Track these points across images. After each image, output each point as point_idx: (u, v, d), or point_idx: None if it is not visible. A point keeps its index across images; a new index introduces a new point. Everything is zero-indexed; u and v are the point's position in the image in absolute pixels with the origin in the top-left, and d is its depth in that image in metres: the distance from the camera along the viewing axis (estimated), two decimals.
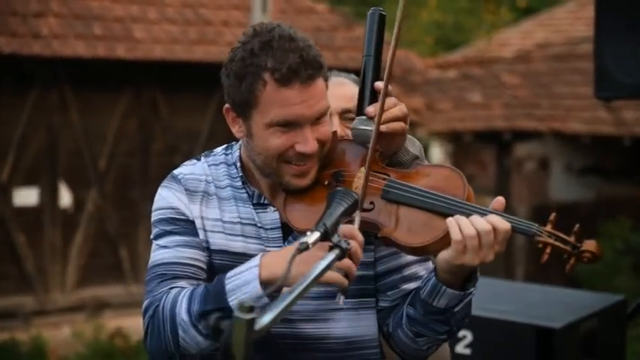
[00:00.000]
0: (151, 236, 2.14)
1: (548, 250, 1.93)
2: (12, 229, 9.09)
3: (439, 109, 11.56)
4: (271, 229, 2.10)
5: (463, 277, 2.00)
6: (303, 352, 2.08)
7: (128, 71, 9.45)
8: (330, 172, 2.09)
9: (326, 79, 2.06)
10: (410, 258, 2.13)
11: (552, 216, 1.96)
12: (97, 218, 9.51)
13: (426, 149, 2.46)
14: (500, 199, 1.98)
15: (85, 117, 9.39)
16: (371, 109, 2.07)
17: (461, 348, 3.63)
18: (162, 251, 2.08)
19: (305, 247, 1.78)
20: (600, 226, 9.63)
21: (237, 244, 2.09)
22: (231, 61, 2.03)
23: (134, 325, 8.11)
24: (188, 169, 2.16)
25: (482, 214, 1.94)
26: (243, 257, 2.07)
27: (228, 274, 1.95)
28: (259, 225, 2.10)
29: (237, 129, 2.08)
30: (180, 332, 1.97)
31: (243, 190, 2.13)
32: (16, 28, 8.59)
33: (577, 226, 1.96)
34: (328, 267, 1.80)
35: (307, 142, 2.00)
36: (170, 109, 9.85)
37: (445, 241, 1.95)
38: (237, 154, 2.16)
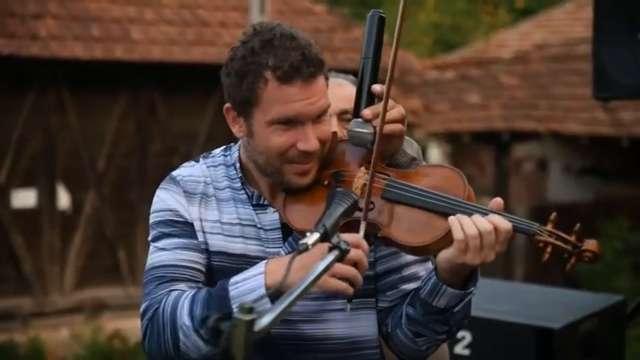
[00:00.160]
0: (149, 238, 2.13)
1: (549, 250, 1.93)
2: (10, 231, 9.08)
3: (437, 110, 11.57)
4: (271, 229, 2.10)
5: (464, 277, 2.00)
6: (305, 353, 2.08)
7: (126, 72, 9.44)
8: (330, 172, 2.09)
9: (326, 78, 2.06)
10: (409, 258, 2.13)
11: (553, 215, 1.96)
12: (95, 220, 9.50)
13: (424, 150, 2.46)
14: (498, 200, 1.98)
15: (83, 118, 9.39)
16: (367, 112, 2.07)
17: (460, 349, 3.63)
18: (161, 253, 2.08)
19: (304, 249, 1.78)
20: (599, 227, 9.63)
21: (237, 246, 2.09)
22: (232, 60, 2.03)
23: (132, 326, 8.10)
24: (187, 171, 2.16)
25: (484, 213, 1.94)
26: (243, 259, 2.07)
27: (232, 280, 1.95)
28: (259, 226, 2.10)
29: (237, 129, 2.08)
30: (180, 336, 1.96)
31: (243, 191, 2.13)
32: (13, 29, 8.58)
33: (578, 225, 1.96)
34: (327, 268, 1.80)
35: (309, 140, 2.00)
36: (168, 111, 9.84)
37: (445, 240, 1.95)
38: (236, 155, 2.16)
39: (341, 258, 1.82)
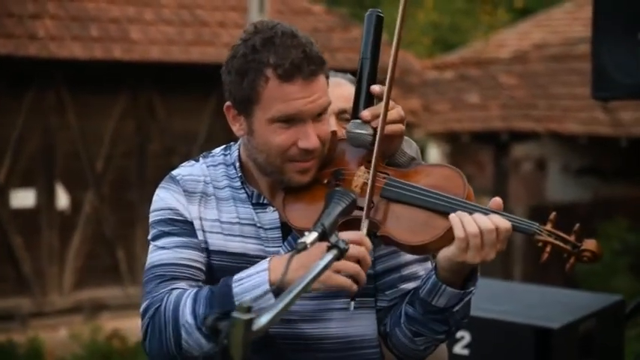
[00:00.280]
0: (149, 237, 2.13)
1: (548, 249, 1.93)
2: (9, 231, 9.07)
3: (436, 110, 11.57)
4: (270, 229, 2.10)
5: (464, 276, 1.99)
6: (303, 353, 2.07)
7: (125, 73, 9.44)
8: (329, 170, 2.09)
9: (327, 76, 2.06)
10: (409, 257, 2.13)
11: (552, 215, 1.95)
12: (94, 220, 9.49)
13: (423, 150, 2.46)
14: (497, 200, 1.98)
15: (82, 119, 9.38)
16: (366, 114, 2.07)
17: (459, 348, 3.63)
18: (161, 252, 2.07)
19: (303, 248, 1.78)
20: (598, 227, 9.64)
21: (236, 245, 2.09)
22: (233, 58, 2.02)
23: (132, 326, 8.09)
24: (186, 170, 2.16)
25: (484, 213, 1.94)
26: (242, 257, 2.07)
27: (235, 277, 1.95)
28: (258, 225, 2.10)
29: (237, 127, 2.08)
30: (183, 334, 1.96)
31: (242, 190, 2.12)
32: (12, 29, 8.58)
33: (577, 225, 1.96)
34: (326, 267, 1.80)
35: (309, 138, 2.00)
36: (167, 111, 9.84)
37: (445, 240, 1.95)
38: (235, 154, 2.16)
39: (339, 257, 1.82)
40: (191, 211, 2.09)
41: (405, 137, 2.22)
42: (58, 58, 8.79)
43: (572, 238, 1.94)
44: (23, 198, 9.17)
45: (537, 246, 1.95)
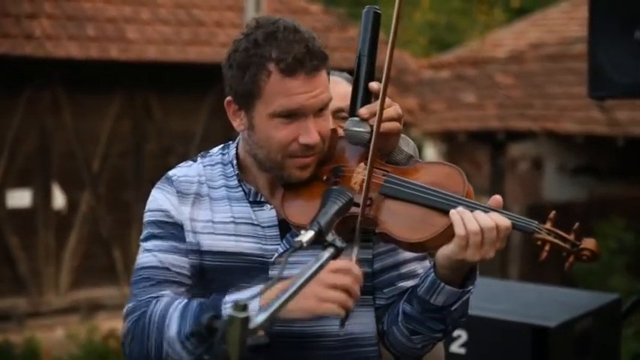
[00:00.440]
0: (141, 237, 2.15)
1: (547, 248, 1.93)
2: (5, 231, 9.06)
3: (433, 109, 11.57)
4: (268, 226, 2.09)
5: (462, 275, 1.99)
6: (302, 351, 2.07)
7: (121, 72, 9.43)
8: (329, 167, 2.08)
9: (328, 72, 2.05)
10: (407, 255, 2.12)
11: (552, 214, 1.95)
12: (90, 220, 9.49)
13: (419, 149, 2.46)
14: (497, 198, 1.98)
15: (78, 118, 9.37)
16: (364, 111, 2.06)
17: (456, 347, 3.63)
18: (147, 254, 2.09)
19: (299, 246, 1.78)
20: (594, 226, 9.64)
21: (230, 244, 2.08)
22: (234, 52, 2.02)
23: None
24: (182, 171, 2.15)
25: (484, 211, 1.94)
26: (238, 257, 2.07)
27: (226, 299, 1.95)
28: (256, 223, 2.09)
29: (238, 122, 2.07)
30: (165, 346, 1.97)
31: (239, 189, 2.12)
32: (8, 29, 8.57)
33: (577, 224, 1.95)
34: (322, 266, 1.80)
35: (310, 133, 1.99)
36: (164, 110, 9.83)
37: (444, 237, 1.94)
38: (233, 152, 2.15)
39: (336, 255, 1.82)
40: (183, 212, 2.09)
41: (403, 135, 2.22)
42: (55, 58, 8.78)
43: (571, 237, 1.94)
44: (19, 198, 9.16)
45: (536, 244, 1.95)
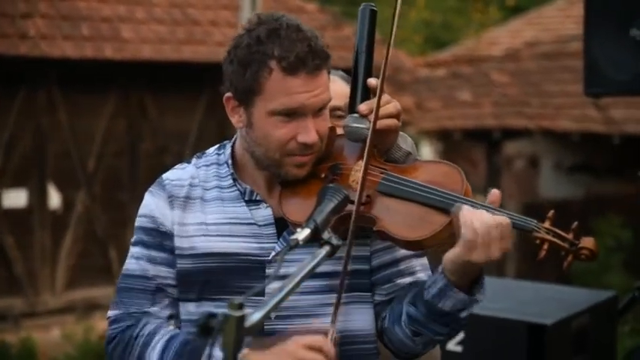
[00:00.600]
0: (132, 239, 2.17)
1: (546, 247, 1.92)
2: (1, 232, 9.05)
3: (429, 107, 11.57)
4: (265, 225, 2.09)
5: (470, 279, 1.97)
6: None
7: (116, 72, 9.42)
8: (327, 165, 2.08)
9: (329, 72, 2.05)
10: (405, 252, 2.11)
11: (551, 213, 1.94)
12: (86, 219, 9.48)
13: (416, 147, 2.45)
14: (495, 192, 1.96)
15: (73, 118, 9.36)
16: (363, 108, 2.06)
17: (452, 345, 3.63)
18: (133, 262, 2.13)
19: (295, 244, 1.78)
20: (590, 224, 9.65)
21: (225, 245, 2.07)
22: (236, 48, 2.01)
23: None
24: (176, 174, 2.15)
25: (487, 210, 1.92)
26: (234, 257, 2.06)
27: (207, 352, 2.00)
28: (253, 222, 2.09)
29: (237, 119, 2.06)
30: None
31: (234, 189, 2.11)
32: (3, 28, 8.55)
33: (575, 223, 1.94)
34: (319, 264, 1.80)
35: (309, 132, 1.99)
36: (159, 110, 9.82)
37: (441, 235, 1.94)
38: (229, 151, 2.14)
39: (332, 254, 1.81)
40: (173, 216, 2.10)
41: (401, 132, 2.22)
42: (50, 58, 8.77)
43: (570, 236, 1.92)
44: (15, 198, 9.15)
45: (535, 243, 1.94)
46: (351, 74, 2.13)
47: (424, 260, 2.16)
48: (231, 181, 2.12)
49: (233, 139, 2.17)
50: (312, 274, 1.80)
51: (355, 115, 2.07)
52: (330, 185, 1.96)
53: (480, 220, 1.89)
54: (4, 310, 9.01)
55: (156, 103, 9.79)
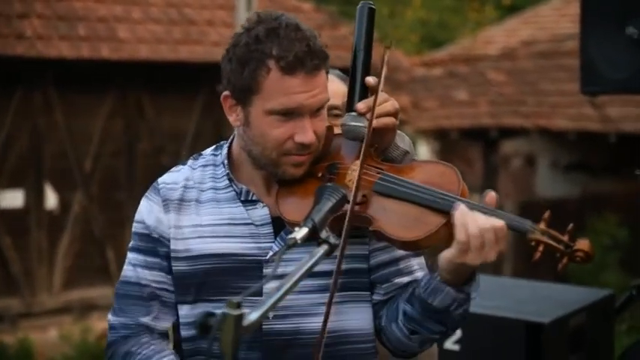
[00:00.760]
0: (129, 244, 2.19)
1: (540, 249, 1.90)
2: None
3: (425, 106, 11.57)
4: (262, 224, 2.08)
5: (464, 279, 1.97)
6: (294, 348, 2.05)
7: (113, 72, 9.41)
8: (324, 164, 2.08)
9: (327, 72, 2.05)
10: (403, 251, 2.11)
11: (547, 214, 1.93)
12: (83, 220, 9.47)
13: (413, 146, 2.46)
14: (491, 194, 1.96)
15: (70, 118, 9.35)
16: (362, 106, 2.05)
17: (450, 344, 3.63)
18: (130, 268, 2.15)
19: (293, 243, 1.78)
20: (587, 222, 9.66)
21: (222, 246, 2.07)
22: (234, 46, 2.00)
23: None
24: (170, 177, 2.16)
25: (482, 212, 1.91)
26: (231, 257, 2.06)
27: None
28: (249, 222, 2.08)
29: (234, 117, 2.06)
30: None
31: (230, 189, 2.11)
32: None
33: (571, 225, 1.93)
34: (316, 263, 1.80)
35: (306, 132, 1.99)
36: (156, 110, 9.82)
37: (437, 236, 1.93)
38: (225, 151, 2.14)
39: (330, 252, 1.82)
40: (169, 220, 2.10)
41: (398, 131, 2.22)
42: (46, 58, 8.76)
43: (565, 238, 1.91)
44: (12, 198, 9.14)
45: (530, 244, 1.94)
46: (349, 72, 2.13)
47: (422, 259, 2.16)
48: (227, 182, 2.11)
49: (230, 139, 2.16)
50: (309, 273, 1.79)
51: (353, 113, 2.07)
52: (328, 184, 1.95)
53: (474, 223, 1.88)
54: (1, 311, 9.00)
55: (153, 103, 9.78)
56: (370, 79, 2.08)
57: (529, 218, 1.96)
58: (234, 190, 2.11)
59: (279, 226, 2.07)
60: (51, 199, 9.34)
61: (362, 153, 2.01)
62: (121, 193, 9.65)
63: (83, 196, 9.46)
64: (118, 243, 9.54)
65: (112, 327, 2.15)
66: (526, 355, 3.50)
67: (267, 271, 2.05)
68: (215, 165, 2.15)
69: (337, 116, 2.43)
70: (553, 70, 10.91)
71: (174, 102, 9.85)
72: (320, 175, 2.07)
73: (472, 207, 1.92)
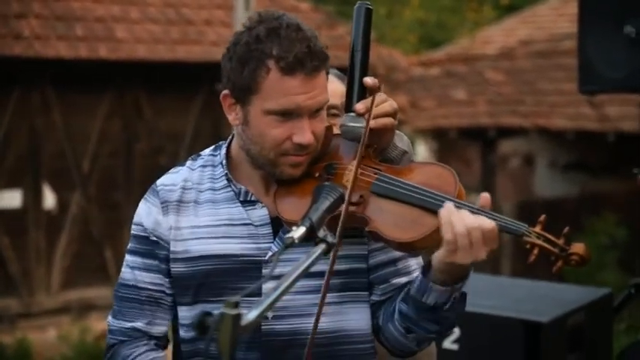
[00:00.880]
0: (127, 246, 2.18)
1: (535, 251, 1.90)
2: None
3: (423, 106, 11.57)
4: (261, 225, 2.08)
5: (458, 278, 1.96)
6: (292, 349, 2.05)
7: (111, 72, 9.41)
8: (322, 164, 2.08)
9: (327, 72, 2.04)
10: (400, 252, 2.11)
11: (542, 217, 1.93)
12: (81, 220, 9.46)
13: (412, 146, 2.46)
14: (485, 196, 1.95)
15: (68, 118, 9.35)
16: (360, 107, 2.05)
17: (448, 343, 3.63)
18: (128, 270, 2.15)
19: (291, 242, 1.77)
20: (585, 222, 9.67)
21: (220, 247, 2.07)
22: (235, 45, 2.00)
23: None
24: (169, 179, 2.15)
25: (471, 211, 1.91)
26: (229, 258, 2.06)
27: None
28: (249, 222, 2.08)
29: (233, 116, 2.05)
30: None
31: (228, 189, 2.10)
32: None
33: (567, 228, 1.92)
34: (314, 262, 1.79)
35: (304, 133, 1.98)
36: (154, 110, 9.81)
37: (433, 238, 1.93)
38: (224, 152, 2.14)
39: (327, 251, 1.81)
40: (168, 221, 2.10)
41: (397, 131, 2.21)
42: (44, 58, 8.75)
43: (560, 241, 1.91)
44: (10, 198, 9.13)
45: (525, 247, 1.93)
46: (347, 73, 2.13)
47: (420, 260, 2.16)
48: (225, 182, 2.11)
49: (228, 140, 2.16)
50: (307, 274, 1.79)
51: (352, 114, 2.06)
52: (326, 184, 1.95)
53: (461, 222, 1.87)
54: (0, 311, 9.00)
55: (151, 103, 9.78)
56: (368, 80, 2.07)
57: (527, 218, 1.96)
58: (233, 191, 2.10)
59: (279, 226, 2.07)
60: (49, 199, 9.34)
61: (358, 154, 2.01)
62: (119, 193, 9.65)
63: (81, 196, 9.45)
64: (116, 243, 9.54)
65: (110, 330, 2.17)
66: (524, 354, 3.50)
67: (265, 271, 2.04)
68: (214, 165, 2.14)
69: (336, 116, 2.43)
70: (551, 70, 10.91)
71: (173, 102, 9.84)
72: (318, 175, 2.07)
73: (465, 207, 1.92)
